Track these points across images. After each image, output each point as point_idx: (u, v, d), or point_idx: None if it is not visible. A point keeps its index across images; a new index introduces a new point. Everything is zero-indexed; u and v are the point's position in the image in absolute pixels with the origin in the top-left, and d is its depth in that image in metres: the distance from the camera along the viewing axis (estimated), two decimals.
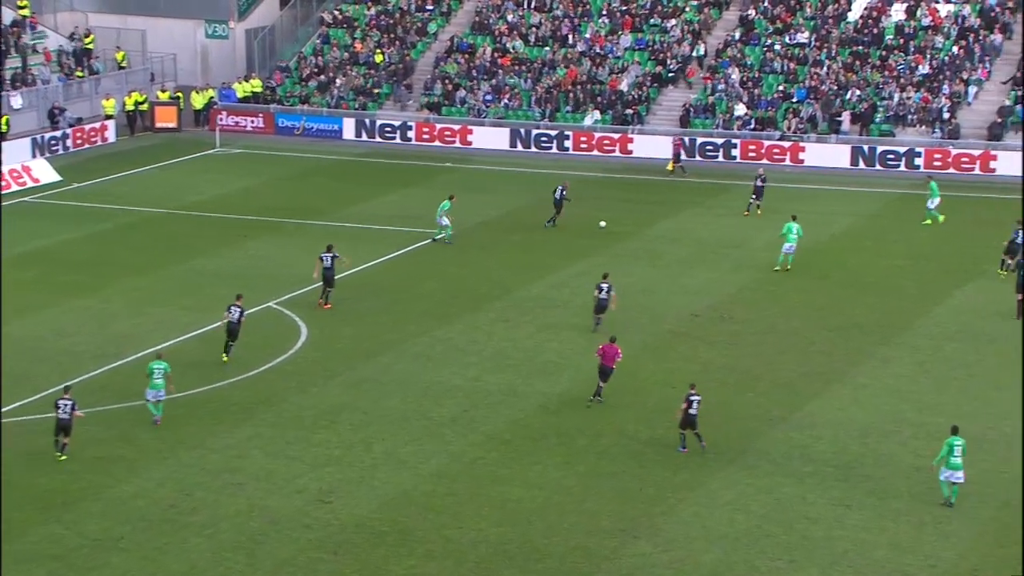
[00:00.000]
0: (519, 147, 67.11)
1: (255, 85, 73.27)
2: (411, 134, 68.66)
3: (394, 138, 68.85)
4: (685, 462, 31.86)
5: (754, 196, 54.96)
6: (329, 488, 30.48)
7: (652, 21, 72.24)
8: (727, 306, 43.64)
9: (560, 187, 53.29)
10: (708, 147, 64.84)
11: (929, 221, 52.73)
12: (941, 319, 41.96)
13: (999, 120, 62.80)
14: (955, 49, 66.30)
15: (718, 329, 41.33)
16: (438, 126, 68.61)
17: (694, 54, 69.25)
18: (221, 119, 70.39)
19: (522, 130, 67.54)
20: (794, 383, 36.88)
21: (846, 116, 64.11)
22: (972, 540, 28.04)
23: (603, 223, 51.10)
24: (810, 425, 34.05)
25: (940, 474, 29.68)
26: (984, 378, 36.97)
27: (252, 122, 71.01)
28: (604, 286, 40.84)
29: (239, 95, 72.40)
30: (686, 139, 64.62)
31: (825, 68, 67.08)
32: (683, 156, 62.76)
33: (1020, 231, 46.33)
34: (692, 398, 32.38)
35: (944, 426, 32.81)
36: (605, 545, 28.01)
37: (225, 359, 37.95)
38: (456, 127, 68.42)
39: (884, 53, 67.34)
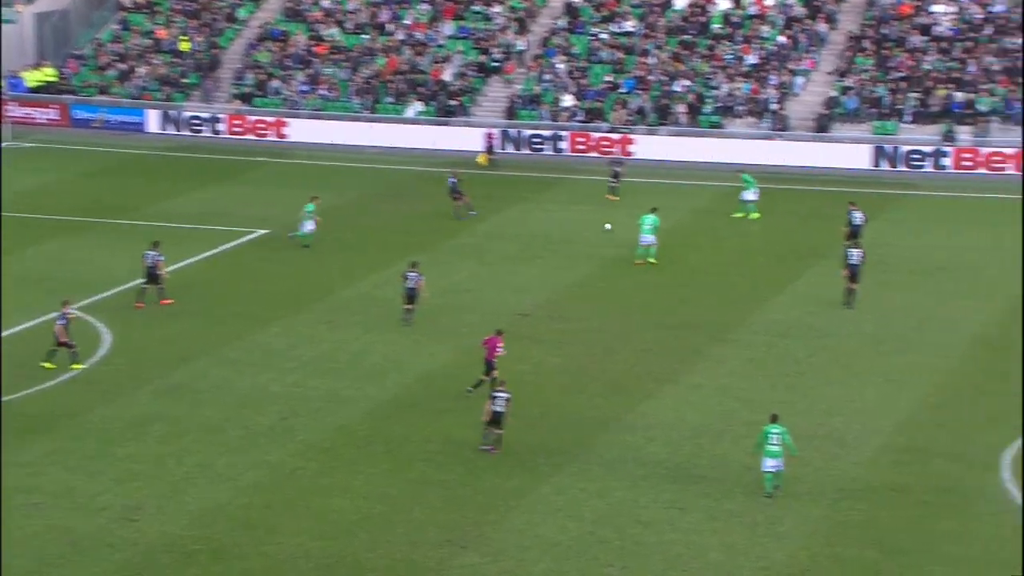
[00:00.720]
0: (339, 140, 66.58)
1: (48, 74, 71.14)
2: (221, 127, 67.58)
3: (203, 131, 67.67)
4: (516, 468, 31.93)
5: (613, 180, 55.94)
6: (136, 504, 29.72)
7: (475, 8, 72.39)
8: (558, 304, 43.91)
9: (451, 178, 53.15)
10: (535, 139, 65.25)
11: (741, 214, 53.79)
12: (773, 315, 42.89)
13: (826, 111, 64.58)
14: (782, 39, 67.95)
15: (549, 328, 41.56)
16: (251, 118, 67.66)
17: (518, 45, 69.51)
18: (10, 111, 68.17)
19: (342, 122, 67.02)
20: (626, 383, 37.29)
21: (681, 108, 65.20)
22: (803, 539, 28.68)
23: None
24: (643, 426, 34.45)
25: (762, 465, 30.37)
26: (815, 374, 37.89)
27: (45, 114, 68.99)
28: (411, 275, 40.89)
29: (29, 85, 70.17)
30: (512, 132, 64.96)
31: (653, 58, 68.09)
32: (495, 148, 63.07)
33: (855, 212, 47.69)
34: (497, 395, 32.50)
35: None
36: (431, 557, 27.90)
37: (49, 366, 37.01)
38: (270, 119, 67.56)
39: (712, 42, 68.67)
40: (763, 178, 56.43)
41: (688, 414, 35.23)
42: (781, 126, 64.50)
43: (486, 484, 31.16)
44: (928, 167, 61.31)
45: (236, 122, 67.59)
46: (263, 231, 51.80)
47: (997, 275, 46.51)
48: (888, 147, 61.98)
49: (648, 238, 47.22)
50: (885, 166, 61.70)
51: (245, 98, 69.24)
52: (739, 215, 53.58)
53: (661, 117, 65.26)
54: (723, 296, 44.67)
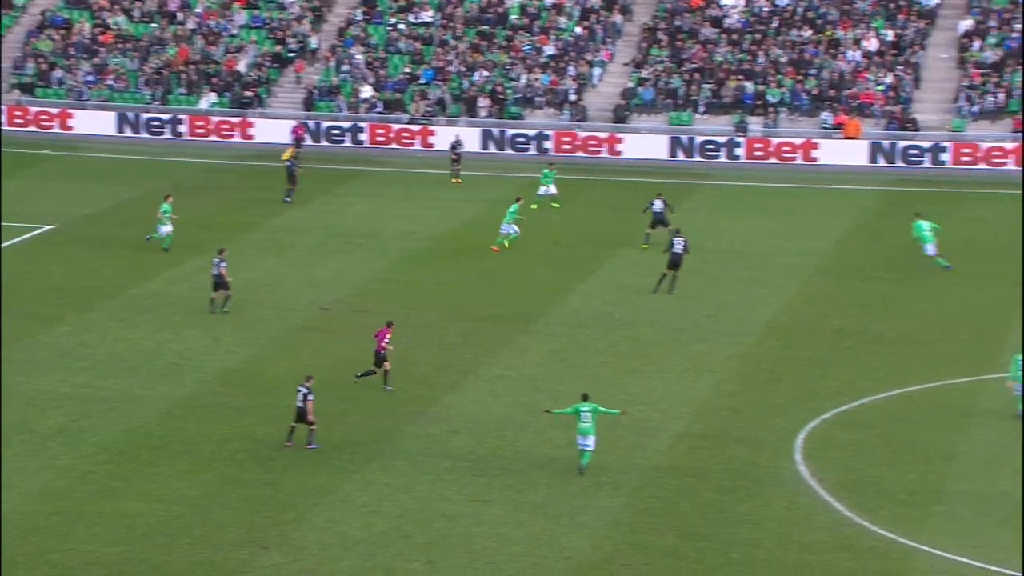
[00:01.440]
0: (128, 132, 65.11)
1: None
2: (2, 118, 65.36)
3: None
4: (319, 465, 31.69)
5: (454, 163, 56.76)
6: None
7: None
8: (359, 298, 43.72)
9: (288, 161, 53.53)
10: (334, 131, 64.81)
11: (535, 206, 54.20)
12: (575, 305, 43.44)
13: (624, 102, 65.65)
14: (578, 30, 68.84)
15: (350, 323, 41.35)
16: (33, 109, 65.64)
17: (312, 43, 68.72)
18: None
19: (130, 114, 65.55)
20: (429, 376, 37.33)
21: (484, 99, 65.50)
22: (606, 528, 29.13)
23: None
24: (447, 419, 34.54)
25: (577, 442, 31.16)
26: (617, 364, 38.49)
27: None
28: (218, 261, 40.41)
29: None
30: (310, 123, 64.39)
31: (452, 48, 68.26)
32: (303, 143, 62.30)
33: (658, 202, 48.74)
34: (300, 389, 32.27)
35: None
36: (232, 558, 27.50)
37: None
38: (54, 111, 65.67)
39: (510, 33, 69.17)
40: (563, 168, 57.06)
41: (492, 406, 35.44)
42: (580, 117, 65.34)
43: (288, 482, 30.85)
44: (722, 157, 62.84)
45: (17, 113, 65.48)
46: (49, 227, 50.35)
47: (789, 263, 47.92)
48: (684, 137, 63.33)
49: (508, 226, 48.01)
50: (681, 156, 63.03)
51: (26, 88, 67.13)
52: (534, 207, 54.08)
53: (468, 109, 65.48)
54: (525, 287, 45.05)
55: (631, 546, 28.40)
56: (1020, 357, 34.28)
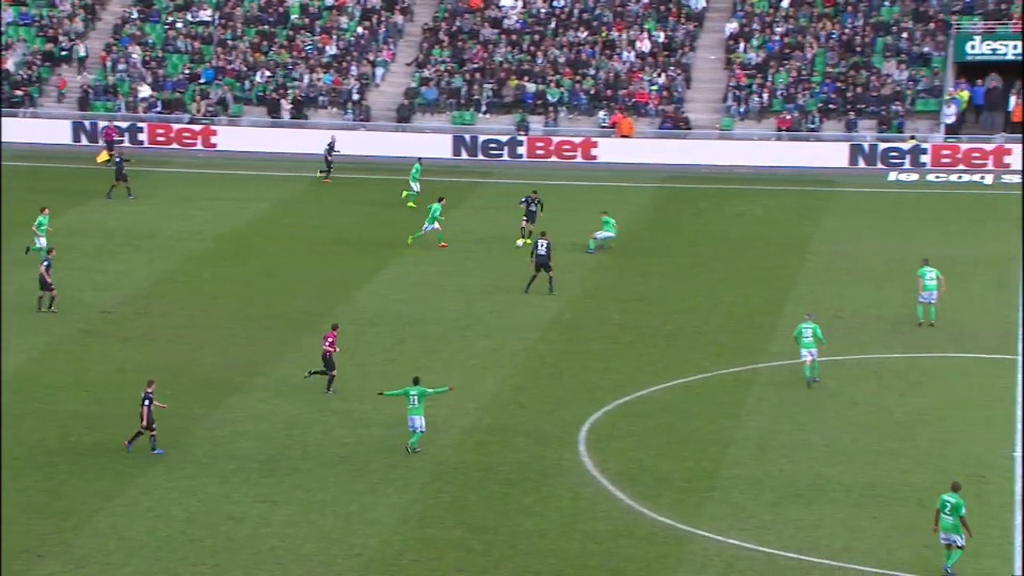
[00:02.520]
0: None
1: None
2: None
3: None
4: (102, 470, 30.87)
5: (328, 164, 56.72)
6: None
7: None
8: (142, 300, 42.76)
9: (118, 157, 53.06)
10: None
11: (406, 194, 54.16)
12: (361, 303, 43.26)
13: (407, 102, 65.63)
14: (360, 30, 68.54)
15: (133, 325, 40.43)
16: None
17: (79, 51, 66.77)
18: None
19: None
20: (215, 378, 36.71)
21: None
22: (396, 525, 29.09)
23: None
24: (233, 420, 34.03)
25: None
26: (404, 361, 38.40)
27: None
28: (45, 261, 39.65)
29: None
30: (85, 123, 62.72)
31: (232, 48, 67.23)
32: (116, 144, 60.35)
33: (531, 197, 49.21)
34: (144, 394, 31.69)
35: (369, 411, 34.01)
36: (8, 570, 26.59)
37: None
38: None
39: (291, 33, 68.47)
40: (346, 168, 56.75)
41: (279, 406, 35.05)
42: (364, 116, 65.09)
43: (68, 489, 29.98)
44: (504, 156, 63.39)
45: None
46: None
47: (575, 260, 48.53)
48: (467, 137, 63.65)
49: (429, 226, 48.06)
50: (465, 155, 63.34)
51: None
52: (408, 200, 53.81)
53: (271, 110, 64.62)
54: (310, 286, 44.68)
55: (420, 541, 28.44)
56: (804, 326, 36.23)
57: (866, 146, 61.04)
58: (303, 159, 60.97)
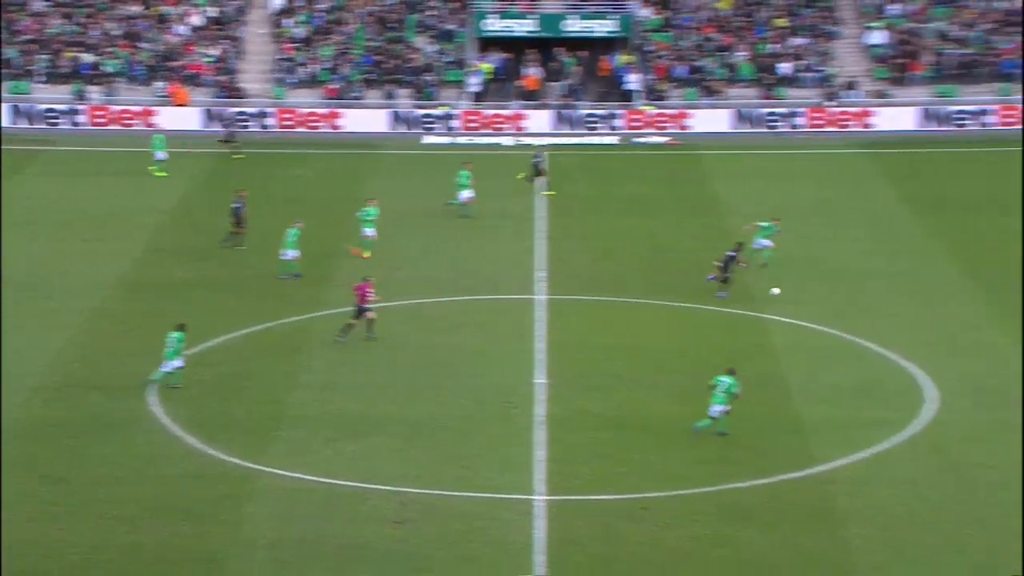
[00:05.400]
0: None
1: None
2: None
3: None
4: None
5: (234, 142, 55.11)
6: None
7: None
8: None
9: None
10: None
11: (158, 172, 51.90)
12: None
13: None
14: None
15: None
16: None
17: None
18: None
19: None
20: None
21: None
22: None
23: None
24: None
25: None
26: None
27: None
28: None
29: None
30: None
31: None
32: None
33: (239, 198, 44.63)
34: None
35: None
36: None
37: None
38: None
39: None
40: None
41: None
42: None
43: None
44: (65, 124, 60.79)
45: None
46: None
47: (136, 222, 47.12)
48: (23, 106, 60.62)
49: (369, 231, 43.16)
50: (24, 124, 60.35)
51: None
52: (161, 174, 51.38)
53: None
54: (54, 261, 41.13)
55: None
56: (723, 379, 30.35)
57: (403, 113, 62.55)
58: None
